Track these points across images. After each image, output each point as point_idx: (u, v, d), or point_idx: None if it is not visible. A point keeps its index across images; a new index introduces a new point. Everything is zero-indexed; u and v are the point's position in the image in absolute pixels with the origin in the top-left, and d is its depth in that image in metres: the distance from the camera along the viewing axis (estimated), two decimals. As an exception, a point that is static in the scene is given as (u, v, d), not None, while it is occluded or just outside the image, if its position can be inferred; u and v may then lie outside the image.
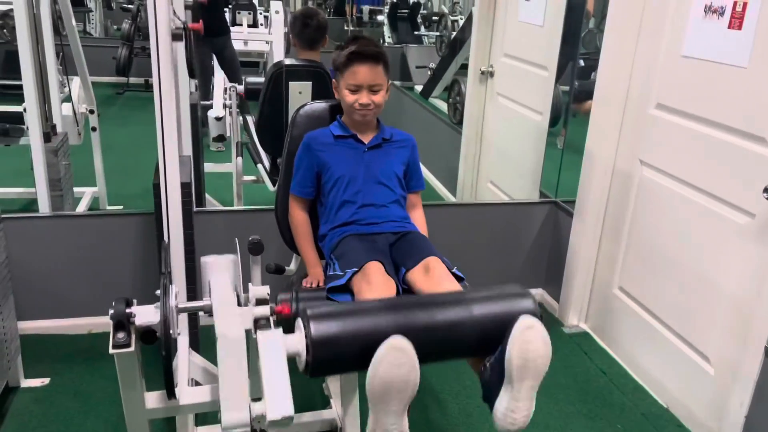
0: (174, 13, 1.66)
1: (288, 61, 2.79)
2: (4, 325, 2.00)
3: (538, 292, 2.96)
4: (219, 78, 3.30)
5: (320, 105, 1.97)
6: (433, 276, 1.62)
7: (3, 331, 1.99)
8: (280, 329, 1.29)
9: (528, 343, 1.29)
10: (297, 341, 1.27)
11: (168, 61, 1.51)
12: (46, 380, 2.23)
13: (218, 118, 2.94)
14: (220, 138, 3.05)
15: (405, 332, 1.25)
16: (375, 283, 1.55)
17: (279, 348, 1.26)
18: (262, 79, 3.22)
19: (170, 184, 1.59)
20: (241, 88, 3.19)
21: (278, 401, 1.23)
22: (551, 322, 2.80)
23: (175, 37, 1.56)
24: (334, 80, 1.86)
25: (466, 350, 1.41)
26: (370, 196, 1.82)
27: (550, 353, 1.33)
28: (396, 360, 1.23)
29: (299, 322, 1.28)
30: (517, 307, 1.37)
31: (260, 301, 1.32)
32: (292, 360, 1.30)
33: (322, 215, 1.87)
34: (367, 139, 1.86)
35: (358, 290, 1.57)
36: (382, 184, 1.83)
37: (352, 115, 1.82)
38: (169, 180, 1.59)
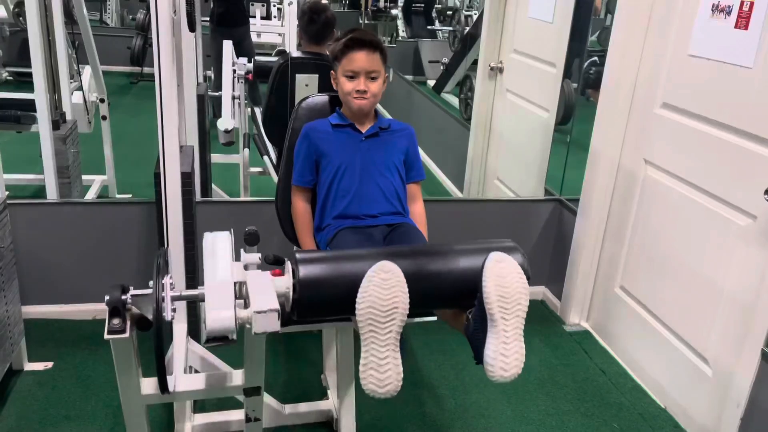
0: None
1: (295, 54, 2.79)
2: (8, 309, 2.03)
3: (540, 290, 2.96)
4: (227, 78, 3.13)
5: (322, 97, 1.98)
6: None
7: (7, 315, 2.03)
8: (268, 272, 1.32)
9: (501, 278, 1.28)
10: (285, 281, 1.30)
11: (169, 51, 1.53)
12: (50, 364, 2.26)
13: (227, 131, 2.73)
14: (229, 143, 2.96)
15: None
16: None
17: (266, 279, 1.28)
18: (273, 59, 3.10)
19: (170, 173, 1.61)
20: (249, 66, 3.07)
21: (263, 299, 1.21)
22: (553, 320, 2.80)
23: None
24: (332, 71, 1.87)
25: (450, 298, 1.41)
26: (367, 185, 1.83)
27: (526, 284, 1.32)
28: (384, 281, 1.24)
29: (288, 265, 1.30)
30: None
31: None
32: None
33: (319, 204, 1.88)
34: (364, 128, 1.87)
35: None
36: (380, 173, 1.84)
37: (350, 104, 1.83)
38: (169, 169, 1.61)
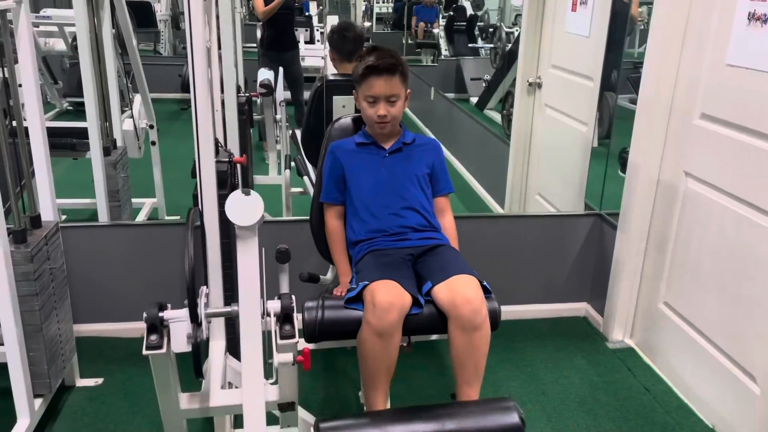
0: (220, 145, 1.77)
1: (331, 76, 2.86)
2: (60, 326, 2.13)
3: (582, 306, 2.91)
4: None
5: (350, 118, 2.04)
6: (459, 294, 1.65)
7: (59, 333, 2.13)
8: None
9: None
10: None
11: (203, 74, 1.60)
12: (100, 380, 2.35)
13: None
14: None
15: None
16: (379, 299, 1.60)
17: None
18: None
19: (206, 192, 1.67)
20: (297, 133, 3.40)
21: None
22: (595, 336, 2.75)
23: (221, 177, 1.64)
24: (354, 90, 1.91)
25: None
26: (393, 200, 1.86)
27: None
28: None
29: None
30: None
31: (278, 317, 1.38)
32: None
33: (349, 221, 1.92)
34: (387, 145, 1.91)
35: (367, 303, 1.64)
36: (405, 188, 1.87)
37: (373, 128, 1.88)
38: (205, 188, 1.67)
